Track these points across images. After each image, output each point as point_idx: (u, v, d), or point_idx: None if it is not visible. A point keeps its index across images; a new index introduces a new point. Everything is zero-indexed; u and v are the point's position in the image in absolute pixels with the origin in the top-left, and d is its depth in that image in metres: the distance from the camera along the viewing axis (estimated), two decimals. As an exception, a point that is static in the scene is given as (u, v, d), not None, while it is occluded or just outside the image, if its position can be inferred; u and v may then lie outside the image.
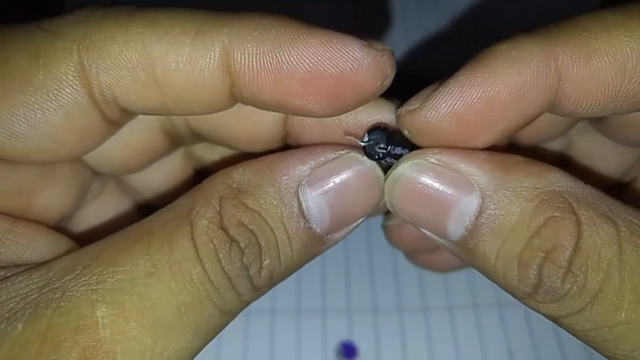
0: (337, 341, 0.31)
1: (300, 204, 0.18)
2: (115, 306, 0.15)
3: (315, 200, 0.18)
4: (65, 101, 0.16)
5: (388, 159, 0.18)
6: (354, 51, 0.16)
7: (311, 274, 0.33)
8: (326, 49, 0.16)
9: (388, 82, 0.17)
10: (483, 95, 0.17)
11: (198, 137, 0.22)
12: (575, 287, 0.17)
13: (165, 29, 0.16)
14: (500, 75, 0.17)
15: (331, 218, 0.18)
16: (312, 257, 0.19)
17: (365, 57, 0.16)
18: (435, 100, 0.17)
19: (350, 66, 0.16)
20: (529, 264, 0.17)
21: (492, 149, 0.19)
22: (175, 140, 0.22)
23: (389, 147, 0.18)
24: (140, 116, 0.20)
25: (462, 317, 0.32)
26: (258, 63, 0.16)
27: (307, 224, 0.18)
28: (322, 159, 0.18)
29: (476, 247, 0.18)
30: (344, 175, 0.18)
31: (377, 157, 0.18)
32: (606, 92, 0.17)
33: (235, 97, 0.18)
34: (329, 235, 0.19)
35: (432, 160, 0.18)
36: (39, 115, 0.16)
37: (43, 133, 0.17)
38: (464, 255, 0.19)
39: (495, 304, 0.32)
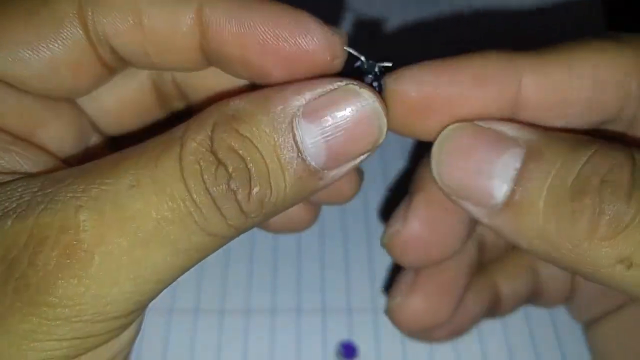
0: (337, 341, 0.31)
1: (294, 135, 0.18)
2: (97, 213, 0.17)
3: (310, 132, 0.18)
4: (65, 35, 0.19)
5: (380, 81, 0.19)
6: (308, 23, 0.18)
7: (311, 274, 0.33)
8: (284, 16, 0.18)
9: (338, 62, 0.19)
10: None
11: (183, 96, 0.24)
12: None
13: None
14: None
15: (327, 152, 0.18)
16: (309, 192, 0.19)
17: (318, 31, 0.18)
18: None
19: (304, 35, 0.18)
20: (584, 191, 0.16)
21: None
22: (164, 100, 0.24)
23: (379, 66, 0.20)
24: (132, 71, 0.22)
25: (462, 317, 0.32)
26: (224, 19, 0.19)
27: (300, 155, 0.18)
28: (319, 90, 0.18)
29: (522, 200, 0.18)
30: (342, 107, 0.18)
31: (376, 73, 0.19)
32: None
33: (205, 52, 0.20)
34: (325, 171, 0.19)
35: (481, 123, 0.19)
36: (41, 45, 0.19)
37: (44, 61, 0.19)
38: (509, 219, 0.18)
39: (495, 304, 0.32)
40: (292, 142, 0.18)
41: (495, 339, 0.31)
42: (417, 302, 0.26)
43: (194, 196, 0.17)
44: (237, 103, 0.18)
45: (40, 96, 0.21)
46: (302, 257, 0.34)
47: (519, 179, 0.18)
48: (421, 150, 0.38)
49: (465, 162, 0.19)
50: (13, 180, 0.18)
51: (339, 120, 0.18)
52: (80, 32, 0.19)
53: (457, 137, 0.19)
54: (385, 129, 0.19)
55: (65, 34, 0.19)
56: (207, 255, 0.18)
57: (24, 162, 0.20)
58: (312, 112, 0.18)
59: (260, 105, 0.18)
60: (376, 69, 0.19)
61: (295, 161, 0.18)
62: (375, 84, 0.19)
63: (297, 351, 0.31)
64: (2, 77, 0.19)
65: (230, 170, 0.17)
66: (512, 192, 0.18)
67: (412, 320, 0.26)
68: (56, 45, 0.19)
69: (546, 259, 0.18)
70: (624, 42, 0.20)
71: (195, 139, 0.17)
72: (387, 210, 0.35)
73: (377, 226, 0.35)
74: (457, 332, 0.28)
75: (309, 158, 0.18)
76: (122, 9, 0.19)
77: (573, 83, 0.19)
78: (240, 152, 0.17)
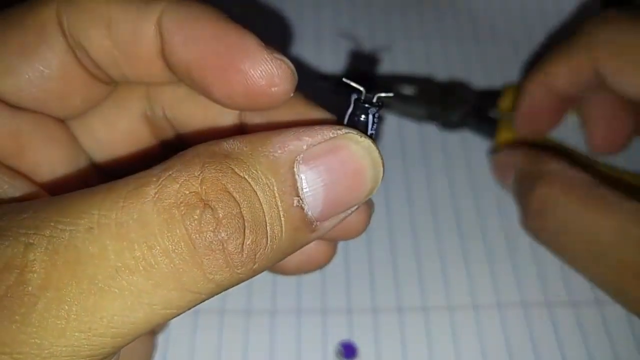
0: (337, 341, 0.31)
1: (294, 181, 0.17)
2: (48, 253, 0.15)
3: (311, 179, 0.17)
4: (48, 41, 0.19)
5: (376, 115, 0.19)
6: (248, 45, 0.18)
7: (311, 274, 0.33)
8: (228, 34, 0.18)
9: (277, 90, 0.18)
10: None
11: (175, 130, 0.23)
12: None
13: None
14: None
15: (324, 201, 0.17)
16: (299, 246, 0.18)
17: (256, 54, 0.18)
18: None
19: (240, 56, 0.18)
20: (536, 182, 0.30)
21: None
22: (157, 132, 0.24)
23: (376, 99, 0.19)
24: (123, 101, 0.22)
25: (462, 318, 0.32)
26: (175, 29, 0.19)
27: (299, 203, 0.17)
28: (319, 137, 0.17)
29: (516, 187, 0.34)
30: (342, 156, 0.17)
31: (376, 104, 0.19)
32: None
33: (165, 62, 0.20)
34: (318, 223, 0.18)
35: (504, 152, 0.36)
36: (28, 52, 0.19)
37: (31, 67, 0.19)
38: (514, 192, 0.34)
39: (495, 304, 0.32)
40: (292, 188, 0.17)
41: (495, 339, 0.31)
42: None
43: (166, 243, 0.15)
44: (231, 143, 0.17)
45: (31, 116, 0.20)
46: (302, 257, 0.34)
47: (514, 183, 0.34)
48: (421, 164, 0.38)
49: (501, 169, 0.36)
50: None
51: (338, 169, 0.17)
52: (62, 39, 0.19)
53: (498, 158, 0.36)
54: (380, 179, 0.18)
55: (49, 41, 0.19)
56: (179, 313, 0.16)
57: (2, 185, 0.19)
58: (313, 159, 0.17)
59: (258, 146, 0.17)
60: (375, 100, 0.19)
61: (294, 209, 0.17)
62: (376, 115, 0.19)
63: (297, 351, 0.31)
64: None
65: (220, 216, 0.15)
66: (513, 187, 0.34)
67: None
68: (42, 49, 0.19)
69: None
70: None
71: (177, 179, 0.16)
72: (384, 213, 0.35)
73: (377, 226, 0.35)
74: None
75: (306, 207, 0.17)
76: (92, 15, 0.19)
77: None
78: (235, 195, 0.16)
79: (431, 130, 0.39)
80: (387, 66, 0.41)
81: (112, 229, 0.15)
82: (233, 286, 0.17)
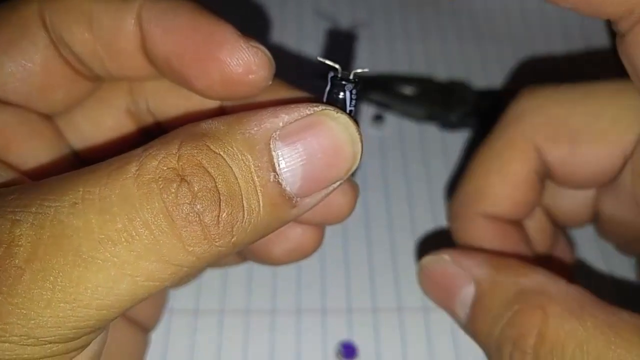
0: (337, 341, 0.31)
1: (271, 157, 0.17)
2: (34, 228, 0.15)
3: (288, 156, 0.17)
4: (32, 38, 0.20)
5: (354, 92, 0.19)
6: (224, 34, 0.19)
7: (311, 274, 0.33)
8: (205, 23, 0.19)
9: (253, 78, 0.19)
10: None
11: (158, 121, 0.24)
12: None
13: None
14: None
15: (303, 178, 0.17)
16: (280, 222, 0.18)
17: (232, 42, 0.18)
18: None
19: (216, 44, 0.18)
20: (503, 349, 0.21)
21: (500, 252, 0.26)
22: (143, 129, 0.24)
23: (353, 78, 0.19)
24: (107, 97, 0.23)
25: (462, 317, 0.32)
26: (154, 21, 0.19)
27: (276, 178, 0.17)
28: (296, 114, 0.18)
29: (474, 329, 0.23)
30: (319, 132, 0.18)
31: (352, 81, 0.19)
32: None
33: (146, 56, 0.20)
34: (298, 199, 0.18)
35: (445, 256, 0.25)
36: (13, 49, 0.20)
37: (13, 61, 0.20)
38: (469, 334, 0.24)
39: (495, 304, 0.32)
40: (269, 164, 0.17)
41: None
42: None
43: (146, 216, 0.16)
44: (208, 122, 0.17)
45: (16, 110, 0.21)
46: (302, 257, 0.34)
47: (471, 315, 0.23)
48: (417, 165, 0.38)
49: (436, 288, 0.25)
50: None
51: (316, 145, 0.17)
52: (45, 34, 0.20)
53: (432, 267, 0.26)
54: (359, 156, 0.18)
55: (31, 36, 0.20)
56: (164, 285, 0.16)
57: None
58: (289, 135, 0.17)
59: (235, 124, 0.17)
60: (352, 77, 0.19)
61: (270, 184, 0.17)
62: (354, 92, 0.19)
63: (297, 351, 0.31)
64: None
65: (195, 189, 0.16)
66: (468, 321, 0.24)
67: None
68: (25, 44, 0.20)
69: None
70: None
71: (156, 156, 0.16)
72: (384, 213, 0.35)
73: (377, 227, 0.35)
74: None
75: (284, 183, 0.17)
76: (74, 11, 0.19)
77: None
78: (210, 170, 0.16)
79: (431, 130, 0.39)
80: (387, 66, 0.41)
81: (95, 204, 0.16)
82: (214, 261, 0.17)
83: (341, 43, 0.42)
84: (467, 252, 0.25)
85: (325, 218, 0.24)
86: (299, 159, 0.17)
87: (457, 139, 0.38)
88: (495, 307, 0.22)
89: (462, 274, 0.24)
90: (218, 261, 0.17)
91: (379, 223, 0.35)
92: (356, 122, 0.18)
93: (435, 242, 0.34)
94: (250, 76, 0.19)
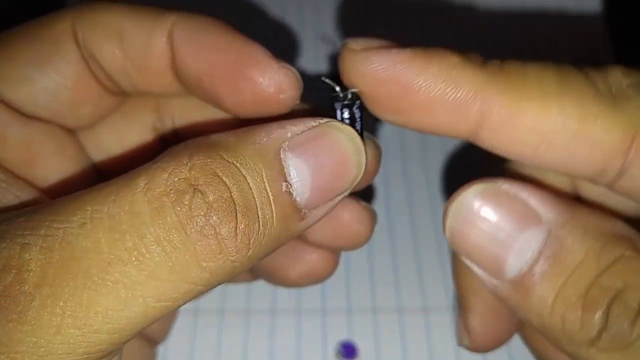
0: (337, 341, 0.31)
1: (282, 167, 0.17)
2: (43, 252, 0.15)
3: (297, 165, 0.17)
4: (64, 53, 0.20)
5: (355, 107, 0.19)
6: (257, 55, 0.19)
7: (311, 274, 0.33)
8: (237, 44, 0.19)
9: (284, 97, 0.19)
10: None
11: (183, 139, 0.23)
12: None
13: (134, 9, 0.20)
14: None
15: (312, 187, 0.17)
16: (291, 235, 0.18)
17: (264, 62, 0.19)
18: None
19: (249, 65, 0.19)
20: (597, 304, 0.16)
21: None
22: (165, 143, 0.23)
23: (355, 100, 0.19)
24: (133, 115, 0.23)
25: (462, 317, 0.32)
26: (185, 40, 0.19)
27: (288, 188, 0.17)
28: (302, 125, 0.18)
29: (534, 285, 0.17)
30: (325, 143, 0.18)
31: (350, 99, 0.19)
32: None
33: (176, 74, 0.20)
34: (307, 211, 0.17)
35: (504, 187, 0.18)
36: (44, 64, 0.20)
37: (46, 76, 0.20)
38: (516, 296, 0.18)
39: (495, 304, 0.32)
40: (280, 173, 0.17)
41: (495, 339, 0.31)
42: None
43: (158, 231, 0.15)
44: (218, 135, 0.17)
45: (43, 126, 0.21)
46: (302, 257, 0.34)
47: (535, 265, 0.17)
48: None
49: (484, 229, 0.18)
50: None
51: (323, 155, 0.18)
52: (77, 50, 0.20)
53: (480, 204, 0.18)
54: (364, 166, 0.18)
55: (64, 52, 0.20)
56: (174, 306, 0.16)
57: (8, 195, 0.19)
58: (298, 146, 0.17)
59: (244, 136, 0.17)
60: (349, 95, 0.19)
61: (282, 195, 0.17)
62: (355, 110, 0.19)
63: (297, 351, 0.31)
64: (8, 100, 0.20)
65: (210, 199, 0.15)
66: (525, 275, 0.18)
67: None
68: (56, 59, 0.20)
69: (545, 335, 0.18)
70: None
71: (166, 169, 0.16)
72: (384, 213, 0.35)
73: (377, 226, 0.35)
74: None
75: (294, 193, 0.17)
76: (106, 28, 0.20)
77: (554, 126, 0.17)
78: (225, 179, 0.16)
79: (431, 130, 0.39)
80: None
81: (104, 222, 0.15)
82: (227, 278, 0.16)
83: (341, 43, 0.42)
84: (531, 185, 0.18)
85: (342, 244, 0.24)
86: (308, 169, 0.17)
87: (457, 139, 0.38)
88: (581, 255, 0.17)
89: (528, 213, 0.18)
90: (231, 279, 0.17)
91: (378, 224, 0.35)
92: (362, 135, 0.19)
93: (435, 242, 0.34)
94: (281, 96, 0.19)
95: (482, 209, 0.18)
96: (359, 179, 0.19)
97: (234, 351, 0.30)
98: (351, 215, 0.24)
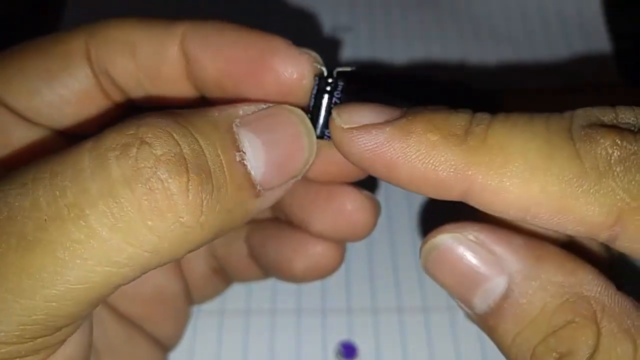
0: (337, 341, 0.31)
1: (234, 138, 0.17)
2: None
3: (250, 138, 0.17)
4: (74, 70, 0.20)
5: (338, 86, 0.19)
6: (276, 43, 0.19)
7: (311, 274, 0.33)
8: (254, 37, 0.19)
9: (306, 82, 0.19)
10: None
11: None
12: None
13: (146, 22, 0.20)
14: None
15: (266, 163, 0.17)
16: (247, 212, 0.17)
17: (285, 50, 0.19)
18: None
19: (271, 54, 0.19)
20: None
21: (532, 234, 0.19)
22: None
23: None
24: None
25: (463, 318, 0.32)
26: (200, 45, 0.19)
27: (242, 158, 0.16)
28: (254, 107, 0.18)
29: (496, 326, 0.18)
30: (277, 122, 0.18)
31: (334, 77, 0.19)
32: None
33: (191, 81, 0.20)
34: (262, 189, 0.17)
35: (471, 237, 0.19)
36: (54, 78, 0.20)
37: (53, 91, 0.20)
38: (484, 328, 0.19)
39: (495, 304, 0.32)
40: (233, 143, 0.16)
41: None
42: None
43: (101, 185, 0.14)
44: (174, 110, 0.17)
45: (45, 131, 0.21)
46: (302, 257, 0.34)
47: (495, 311, 0.18)
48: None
49: (452, 271, 0.19)
50: None
51: (275, 132, 0.18)
52: (87, 67, 0.20)
53: (454, 248, 0.19)
54: (314, 150, 0.19)
55: (72, 68, 0.20)
56: (122, 274, 0.15)
57: None
58: (250, 122, 0.17)
59: (197, 110, 0.17)
60: (334, 74, 0.19)
61: (236, 165, 0.16)
62: (336, 94, 0.19)
63: (297, 351, 0.31)
64: (15, 109, 0.20)
65: (158, 153, 0.14)
66: (489, 315, 0.19)
67: None
68: (65, 75, 0.20)
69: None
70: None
71: (114, 129, 0.15)
72: (384, 213, 0.35)
73: (377, 227, 0.35)
74: None
75: (249, 164, 0.17)
76: (118, 43, 0.20)
77: (537, 201, 0.16)
78: (175, 136, 0.15)
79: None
80: (387, 66, 0.41)
81: (45, 181, 0.14)
82: (179, 249, 0.15)
83: (340, 43, 0.42)
84: (498, 232, 0.19)
85: (347, 234, 0.24)
86: (261, 143, 0.17)
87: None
88: (536, 311, 0.18)
89: (492, 262, 0.18)
90: (184, 251, 0.15)
91: (379, 223, 0.35)
92: (326, 121, 0.19)
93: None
94: (304, 81, 0.19)
95: (449, 254, 0.19)
96: (310, 162, 0.19)
97: (234, 351, 0.30)
98: (354, 205, 0.24)
